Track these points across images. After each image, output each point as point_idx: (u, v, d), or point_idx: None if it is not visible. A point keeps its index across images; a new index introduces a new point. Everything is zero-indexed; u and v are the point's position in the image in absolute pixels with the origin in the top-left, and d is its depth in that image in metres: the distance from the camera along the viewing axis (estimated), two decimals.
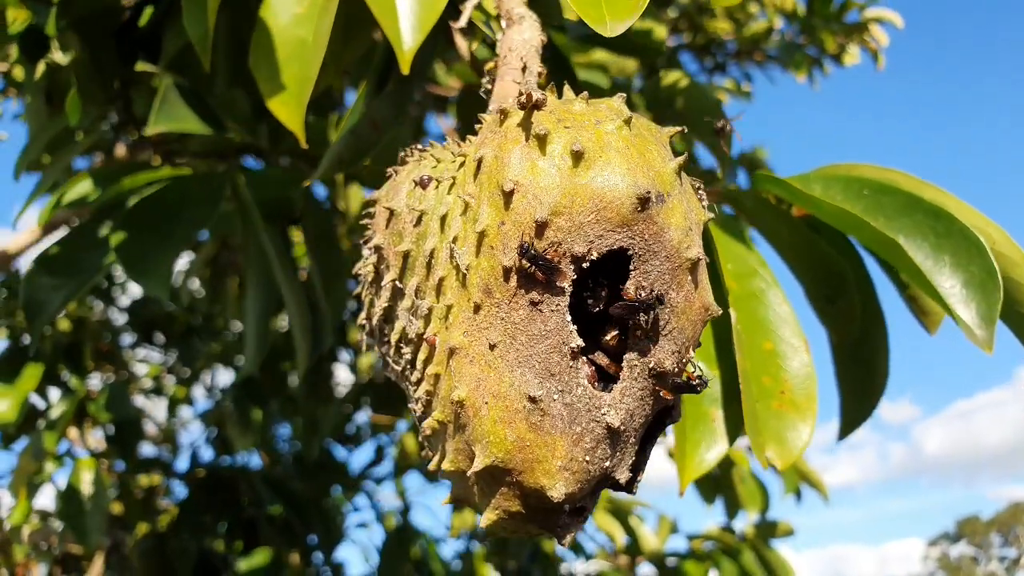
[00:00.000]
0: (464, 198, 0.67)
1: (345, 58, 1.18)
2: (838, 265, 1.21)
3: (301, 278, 2.53)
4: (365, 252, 0.75)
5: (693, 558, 3.13)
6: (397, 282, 0.71)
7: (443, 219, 0.68)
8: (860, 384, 1.30)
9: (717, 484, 3.03)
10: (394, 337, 0.72)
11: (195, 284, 3.38)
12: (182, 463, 3.86)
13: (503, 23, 0.88)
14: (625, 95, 0.70)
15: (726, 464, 2.99)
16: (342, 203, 2.27)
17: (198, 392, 3.87)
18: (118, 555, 3.40)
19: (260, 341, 1.73)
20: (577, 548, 3.72)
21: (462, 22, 0.95)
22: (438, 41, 1.26)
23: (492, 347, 0.64)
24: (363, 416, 3.98)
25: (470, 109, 1.97)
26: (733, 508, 3.06)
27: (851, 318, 1.22)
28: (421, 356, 0.69)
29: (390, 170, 0.75)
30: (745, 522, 3.16)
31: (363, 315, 0.77)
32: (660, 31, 1.39)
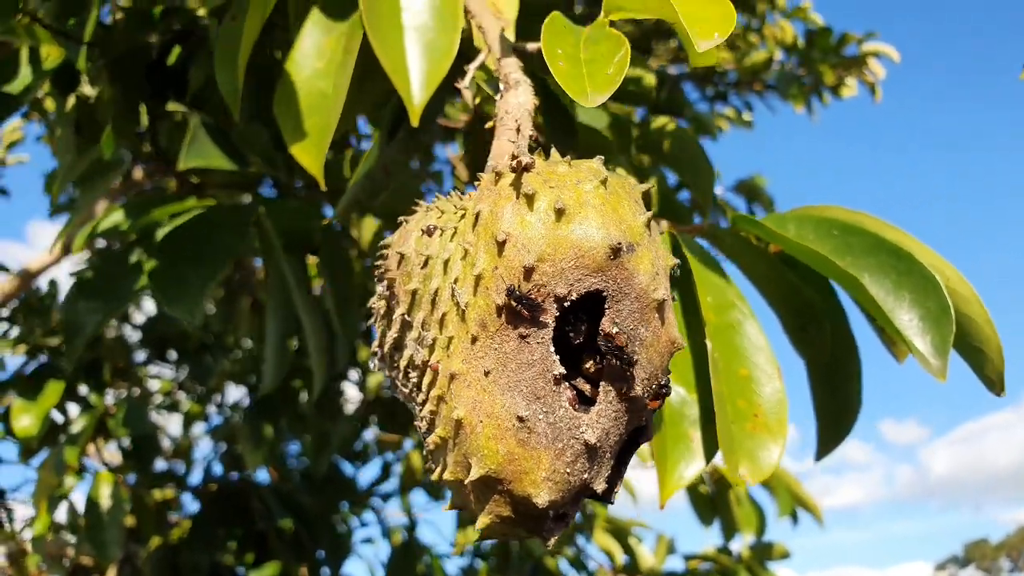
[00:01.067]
0: (464, 245, 0.78)
1: (359, 108, 1.30)
2: (809, 297, 1.32)
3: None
4: (379, 289, 0.87)
5: None
6: (406, 316, 0.82)
7: (446, 263, 0.79)
8: (834, 408, 1.40)
9: (714, 506, 3.12)
10: (403, 363, 0.83)
11: (208, 303, 3.50)
12: (195, 477, 3.97)
13: (501, 86, 1.00)
14: (604, 157, 0.82)
15: (723, 486, 3.08)
16: (355, 231, 2.40)
17: (211, 409, 3.98)
18: (131, 567, 3.49)
19: (280, 361, 1.84)
20: (579, 565, 3.80)
21: (466, 82, 1.07)
22: (445, 93, 1.37)
23: (487, 373, 0.75)
24: (370, 434, 4.09)
25: (473, 140, 2.10)
26: (730, 530, 3.14)
27: (823, 345, 1.32)
28: (426, 380, 0.80)
29: (401, 219, 0.87)
30: (742, 544, 3.25)
31: (375, 343, 0.88)
32: (649, 79, 1.51)
